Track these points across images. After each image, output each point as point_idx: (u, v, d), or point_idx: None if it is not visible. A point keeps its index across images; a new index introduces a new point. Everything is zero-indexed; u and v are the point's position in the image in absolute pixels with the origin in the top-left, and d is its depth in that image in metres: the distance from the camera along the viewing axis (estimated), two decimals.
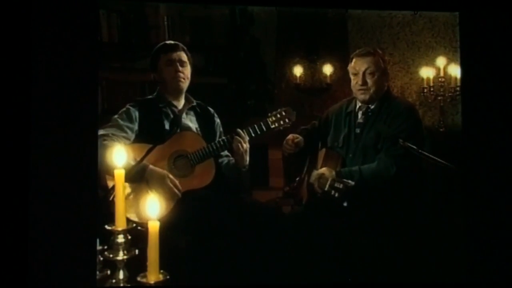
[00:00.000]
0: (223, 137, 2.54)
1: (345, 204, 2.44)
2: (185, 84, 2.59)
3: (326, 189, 2.43)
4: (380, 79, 2.56)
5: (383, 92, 2.58)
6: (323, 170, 2.53)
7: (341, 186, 2.40)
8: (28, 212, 2.00)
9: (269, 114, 2.55)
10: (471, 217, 2.26)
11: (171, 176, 2.40)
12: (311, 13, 3.31)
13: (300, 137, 2.67)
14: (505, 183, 2.24)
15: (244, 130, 2.48)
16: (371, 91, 2.55)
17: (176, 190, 2.39)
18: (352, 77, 2.61)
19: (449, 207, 2.64)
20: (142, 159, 2.31)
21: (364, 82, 2.55)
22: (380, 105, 2.56)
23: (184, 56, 2.58)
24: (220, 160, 2.60)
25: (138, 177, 2.33)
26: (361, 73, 2.55)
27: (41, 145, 2.03)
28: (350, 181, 2.42)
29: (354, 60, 2.60)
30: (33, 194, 2.01)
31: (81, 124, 2.07)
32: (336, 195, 2.41)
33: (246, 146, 2.46)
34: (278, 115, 2.54)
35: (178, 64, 2.55)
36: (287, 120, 2.54)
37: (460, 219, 2.34)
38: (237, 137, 2.46)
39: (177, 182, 2.40)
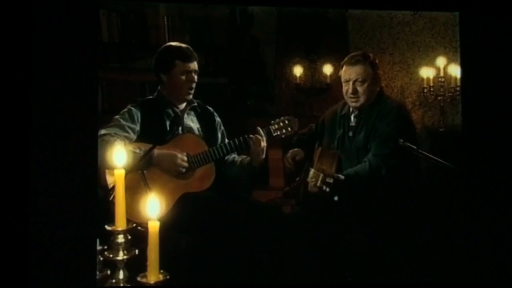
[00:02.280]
0: (225, 142, 2.54)
1: (335, 198, 2.44)
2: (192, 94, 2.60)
3: (318, 184, 2.43)
4: (371, 86, 2.53)
5: (374, 96, 2.56)
6: (318, 167, 2.53)
7: (331, 180, 2.40)
8: (28, 212, 2.00)
9: (272, 122, 2.55)
10: (471, 217, 2.26)
11: (179, 153, 2.43)
12: (311, 13, 3.31)
13: (301, 152, 2.66)
14: (505, 183, 2.24)
15: (246, 136, 2.48)
16: (362, 99, 2.53)
17: (185, 165, 2.44)
18: (343, 84, 2.59)
19: (449, 207, 2.64)
20: (142, 158, 2.32)
21: (355, 91, 2.53)
22: (371, 106, 2.55)
23: (196, 65, 2.58)
24: (225, 158, 2.59)
25: (146, 164, 2.36)
26: (351, 82, 2.53)
27: (41, 145, 2.02)
28: (340, 176, 2.42)
29: (344, 68, 2.58)
30: (33, 194, 2.00)
31: (81, 124, 2.07)
32: (327, 189, 2.41)
33: (264, 143, 2.49)
34: (281, 123, 2.54)
35: (193, 74, 2.55)
36: (289, 129, 2.54)
37: (460, 219, 2.34)
38: (257, 135, 2.48)
39: (185, 158, 2.45)
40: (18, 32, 2.05)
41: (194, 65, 2.56)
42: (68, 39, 2.07)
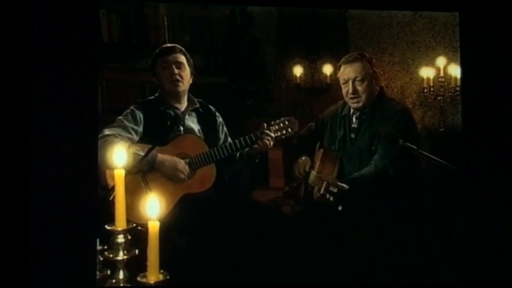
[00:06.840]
0: (225, 144, 2.54)
1: (339, 208, 2.43)
2: (182, 87, 2.58)
3: (321, 192, 2.42)
4: (370, 84, 2.54)
5: (375, 95, 2.56)
6: (321, 171, 2.52)
7: (335, 190, 2.39)
8: (28, 212, 2.00)
9: (272, 123, 2.55)
10: (471, 217, 2.26)
11: (181, 161, 2.43)
12: (311, 13, 3.31)
13: (309, 161, 2.65)
14: (505, 183, 2.24)
15: (247, 137, 2.48)
16: (363, 98, 2.53)
17: (184, 175, 2.43)
18: (342, 85, 2.58)
19: (449, 207, 2.64)
20: (143, 158, 2.32)
21: (355, 91, 2.53)
22: (374, 108, 2.55)
23: (181, 58, 2.58)
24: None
25: (148, 166, 2.37)
26: (350, 81, 2.53)
27: (41, 145, 2.03)
28: (344, 185, 2.41)
29: (342, 68, 2.58)
30: (33, 194, 2.01)
31: (81, 124, 2.07)
32: (331, 199, 2.40)
33: (272, 143, 2.50)
34: (281, 124, 2.54)
35: (173, 66, 2.55)
36: (289, 130, 2.55)
37: (460, 219, 2.34)
38: (267, 136, 2.48)
39: (186, 166, 2.44)
40: (18, 32, 2.05)
41: (174, 57, 2.57)
42: (68, 39, 2.07)
